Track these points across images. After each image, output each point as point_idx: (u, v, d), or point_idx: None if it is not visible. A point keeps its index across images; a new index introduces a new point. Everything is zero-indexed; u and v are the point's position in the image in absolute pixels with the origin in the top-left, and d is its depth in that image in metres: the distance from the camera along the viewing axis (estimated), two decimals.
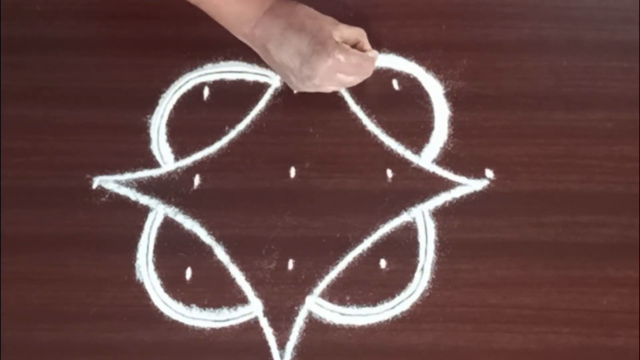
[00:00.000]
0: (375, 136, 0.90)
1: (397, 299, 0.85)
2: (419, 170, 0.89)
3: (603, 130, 0.90)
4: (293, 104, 0.92)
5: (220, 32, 0.91)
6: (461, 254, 0.86)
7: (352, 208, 0.88)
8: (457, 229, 0.87)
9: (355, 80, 0.89)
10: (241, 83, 0.93)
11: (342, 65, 0.85)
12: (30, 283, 0.86)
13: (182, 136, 0.91)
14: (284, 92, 0.92)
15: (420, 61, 0.93)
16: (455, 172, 0.89)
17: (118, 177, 0.90)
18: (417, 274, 0.85)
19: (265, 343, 0.84)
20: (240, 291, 0.86)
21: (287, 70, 0.86)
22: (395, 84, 0.92)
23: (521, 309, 0.84)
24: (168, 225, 0.88)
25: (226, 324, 0.84)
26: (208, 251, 0.87)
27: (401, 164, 0.89)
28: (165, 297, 0.85)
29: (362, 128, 0.91)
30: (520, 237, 0.86)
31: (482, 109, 0.91)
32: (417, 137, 0.90)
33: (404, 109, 0.91)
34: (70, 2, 0.96)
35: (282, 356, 0.83)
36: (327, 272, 0.86)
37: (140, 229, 0.88)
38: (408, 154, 0.90)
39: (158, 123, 0.91)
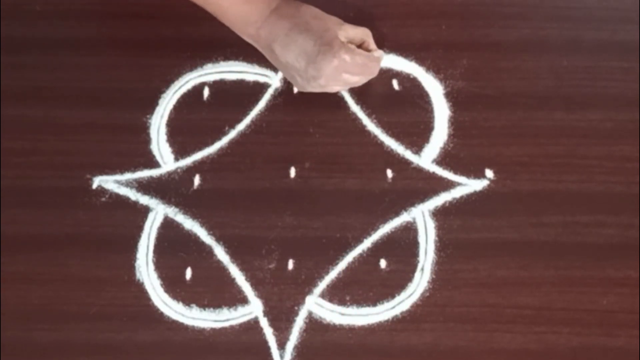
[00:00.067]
0: (375, 136, 0.90)
1: (397, 299, 0.85)
2: (419, 170, 0.89)
3: (603, 130, 0.90)
4: (293, 104, 0.92)
5: (220, 32, 0.91)
6: (461, 254, 0.86)
7: (352, 208, 0.88)
8: (457, 229, 0.87)
9: (361, 80, 0.89)
10: (241, 83, 0.93)
11: (347, 65, 0.85)
12: (30, 283, 0.86)
13: (182, 136, 0.91)
14: (284, 92, 0.92)
15: (420, 61, 0.93)
16: (455, 172, 0.89)
17: (118, 177, 0.90)
18: (417, 274, 0.85)
19: (265, 343, 0.84)
20: (240, 291, 0.86)
21: (293, 70, 0.86)
22: (395, 84, 0.92)
23: (521, 309, 0.84)
24: (168, 225, 0.88)
25: (226, 324, 0.84)
26: (208, 251, 0.87)
27: (401, 164, 0.89)
28: (165, 297, 0.85)
29: (362, 128, 0.91)
30: (520, 237, 0.86)
31: (482, 109, 0.91)
32: (417, 137, 0.90)
33: (404, 109, 0.91)
34: (70, 2, 0.96)
35: (282, 356, 0.83)
36: (327, 272, 0.86)
37: (140, 229, 0.88)
38: (408, 154, 0.90)
39: (158, 123, 0.91)
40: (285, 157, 0.90)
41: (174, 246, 0.87)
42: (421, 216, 0.87)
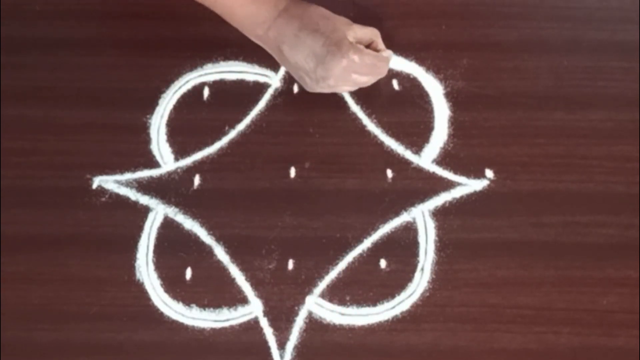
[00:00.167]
0: (375, 136, 0.90)
1: (397, 299, 0.85)
2: (419, 170, 0.89)
3: (603, 130, 0.90)
4: (293, 104, 0.92)
5: (220, 32, 0.91)
6: (461, 254, 0.86)
7: (352, 208, 0.88)
8: (457, 229, 0.87)
9: (370, 80, 0.89)
10: (241, 83, 0.93)
11: (356, 65, 0.85)
12: (30, 283, 0.86)
13: (182, 136, 0.91)
14: (284, 92, 0.92)
15: (420, 61, 0.93)
16: (455, 172, 0.89)
17: (118, 177, 0.90)
18: (417, 274, 0.85)
19: (265, 343, 0.84)
20: (240, 291, 0.86)
21: (302, 71, 0.86)
22: (395, 84, 0.92)
23: (521, 309, 0.84)
24: (168, 225, 0.88)
25: (226, 324, 0.84)
26: (208, 251, 0.87)
27: (401, 164, 0.89)
28: (165, 297, 0.85)
29: (362, 128, 0.91)
30: (520, 237, 0.86)
31: (482, 109, 0.91)
32: (417, 137, 0.90)
33: (404, 109, 0.91)
34: (70, 2, 0.96)
35: (282, 356, 0.83)
36: (327, 272, 0.86)
37: (140, 229, 0.88)
38: (408, 154, 0.90)
39: (158, 123, 0.91)
40: (285, 157, 0.90)
41: (174, 246, 0.87)
42: (421, 216, 0.87)
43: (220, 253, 0.87)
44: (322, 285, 0.85)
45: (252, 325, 0.84)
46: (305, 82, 0.88)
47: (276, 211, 0.88)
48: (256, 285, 0.86)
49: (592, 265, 0.85)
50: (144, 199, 0.89)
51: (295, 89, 0.92)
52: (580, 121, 0.90)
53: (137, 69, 0.94)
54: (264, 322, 0.84)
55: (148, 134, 0.91)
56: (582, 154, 0.89)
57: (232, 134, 0.91)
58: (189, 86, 0.93)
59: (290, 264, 0.86)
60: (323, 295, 0.85)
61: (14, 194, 0.89)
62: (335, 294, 0.85)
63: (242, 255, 0.87)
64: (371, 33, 0.87)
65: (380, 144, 0.90)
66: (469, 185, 0.88)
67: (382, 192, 0.88)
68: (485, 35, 0.94)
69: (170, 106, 0.92)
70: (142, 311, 0.85)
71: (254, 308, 0.85)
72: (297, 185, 0.89)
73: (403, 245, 0.86)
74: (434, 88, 0.92)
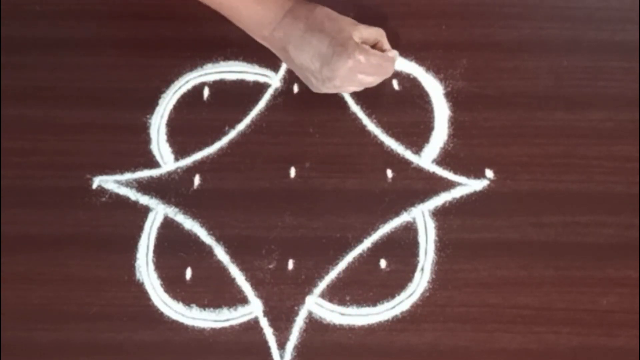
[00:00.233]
0: (375, 136, 0.90)
1: (397, 299, 0.85)
2: (419, 170, 0.89)
3: (603, 130, 0.90)
4: (293, 104, 0.92)
5: (220, 32, 0.92)
6: (461, 254, 0.86)
7: (352, 208, 0.88)
8: (457, 229, 0.87)
9: (375, 80, 0.89)
10: (241, 83, 0.93)
11: (362, 66, 0.85)
12: (30, 283, 0.86)
13: (182, 136, 0.91)
14: (284, 92, 0.92)
15: (420, 61, 0.93)
16: (455, 172, 0.89)
17: (118, 177, 0.90)
18: (417, 274, 0.85)
19: (265, 343, 0.84)
20: (240, 291, 0.86)
21: (308, 72, 0.86)
22: (395, 84, 0.92)
23: (521, 309, 0.84)
24: (168, 225, 0.88)
25: (226, 324, 0.84)
26: (208, 251, 0.87)
27: (401, 164, 0.89)
28: (165, 297, 0.85)
29: (362, 128, 0.91)
30: (520, 237, 0.86)
31: (482, 109, 0.91)
32: (417, 137, 0.90)
33: (404, 109, 0.91)
34: (70, 2, 0.96)
35: (282, 356, 0.83)
36: (327, 272, 0.86)
37: (140, 229, 0.88)
38: (408, 154, 0.90)
39: (158, 123, 0.91)
40: (285, 157, 0.90)
41: (174, 246, 0.87)
42: (421, 216, 0.87)
43: (220, 253, 0.87)
44: (322, 285, 0.85)
45: (252, 325, 0.84)
46: (311, 83, 0.88)
47: (276, 211, 0.88)
48: (256, 285, 0.86)
49: (592, 265, 0.85)
50: (144, 199, 0.89)
51: (295, 89, 0.92)
52: (580, 121, 0.90)
53: (137, 69, 0.94)
54: (264, 322, 0.84)
55: (148, 134, 0.91)
56: (582, 154, 0.89)
57: (232, 134, 0.91)
58: (189, 86, 0.93)
59: (290, 264, 0.86)
60: (323, 295, 0.85)
61: (14, 194, 0.89)
62: (335, 294, 0.85)
63: (242, 255, 0.87)
64: (377, 33, 0.88)
65: (380, 144, 0.90)
66: (469, 185, 0.88)
67: (382, 192, 0.88)
68: (485, 35, 0.94)
69: (170, 106, 0.92)
70: (142, 311, 0.85)
71: (254, 308, 0.85)
72: (297, 185, 0.89)
73: (403, 245, 0.86)
74: (434, 88, 0.92)
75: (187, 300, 0.85)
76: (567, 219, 0.87)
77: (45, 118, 0.92)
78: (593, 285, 0.84)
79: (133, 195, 0.89)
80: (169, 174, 0.90)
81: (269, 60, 0.92)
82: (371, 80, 0.88)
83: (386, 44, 0.88)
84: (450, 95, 0.92)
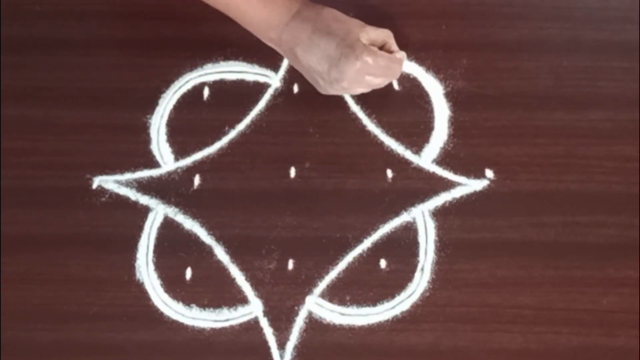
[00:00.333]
0: (375, 136, 0.90)
1: (397, 299, 0.85)
2: (419, 170, 0.89)
3: (603, 130, 0.90)
4: (293, 104, 0.92)
5: (220, 32, 0.92)
6: (461, 254, 0.86)
7: (352, 208, 0.88)
8: (457, 229, 0.87)
9: (383, 81, 0.89)
10: (241, 83, 0.93)
11: (370, 67, 0.85)
12: (30, 283, 0.86)
13: (182, 136, 0.91)
14: (284, 92, 0.92)
15: (420, 61, 0.93)
16: (455, 172, 0.89)
17: (118, 177, 0.90)
18: (417, 274, 0.85)
19: (265, 343, 0.84)
20: (240, 291, 0.86)
21: (315, 74, 0.86)
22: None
23: (521, 309, 0.84)
24: (168, 225, 0.88)
25: (226, 324, 0.84)
26: (208, 251, 0.87)
27: (401, 164, 0.89)
28: (165, 297, 0.85)
29: (362, 128, 0.91)
30: (520, 237, 0.86)
31: (482, 109, 0.91)
32: (417, 137, 0.90)
33: (404, 109, 0.91)
34: (71, 2, 0.96)
35: (282, 356, 0.83)
36: (327, 272, 0.86)
37: (140, 229, 0.88)
38: (408, 154, 0.90)
39: (158, 123, 0.91)
40: (285, 157, 0.90)
41: (174, 246, 0.87)
42: (421, 216, 0.87)
43: (220, 253, 0.87)
44: (322, 285, 0.85)
45: (252, 325, 0.84)
46: (318, 85, 0.88)
47: (276, 211, 0.88)
48: (256, 285, 0.86)
49: (592, 265, 0.85)
50: (144, 199, 0.89)
51: (296, 89, 0.92)
52: (580, 121, 0.90)
53: (137, 69, 0.94)
54: (264, 322, 0.84)
55: (148, 134, 0.91)
56: (582, 154, 0.89)
57: (232, 134, 0.91)
58: (189, 86, 0.93)
59: (290, 264, 0.86)
60: (323, 295, 0.85)
61: (14, 194, 0.89)
62: (335, 294, 0.85)
63: (242, 255, 0.87)
64: (384, 34, 0.87)
65: (380, 144, 0.90)
66: (469, 185, 0.88)
67: (382, 192, 0.88)
68: (485, 35, 0.94)
69: (170, 106, 0.92)
70: (142, 311, 0.85)
71: (254, 308, 0.85)
72: (297, 185, 0.89)
73: (403, 245, 0.86)
74: (434, 88, 0.92)
75: (187, 300, 0.85)
76: (567, 219, 0.87)
77: (45, 118, 0.92)
78: (593, 285, 0.84)
79: (133, 195, 0.89)
80: (169, 174, 0.90)
81: (269, 60, 0.92)
82: (379, 81, 0.88)
83: (394, 46, 0.88)
84: (450, 95, 0.92)
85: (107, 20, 0.96)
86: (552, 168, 0.89)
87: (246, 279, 0.86)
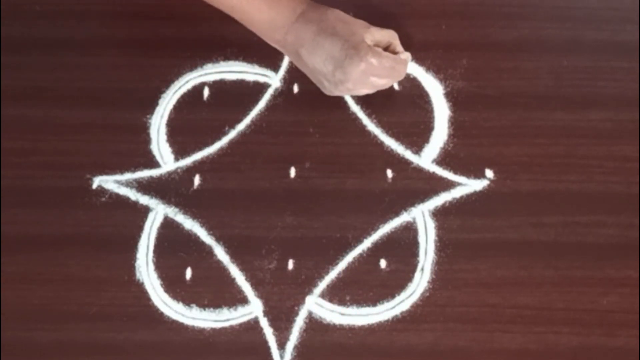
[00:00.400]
0: (375, 136, 0.90)
1: (397, 299, 0.85)
2: (419, 170, 0.89)
3: (603, 130, 0.90)
4: (293, 104, 0.92)
5: (220, 32, 0.92)
6: (461, 254, 0.86)
7: (352, 208, 0.88)
8: (457, 229, 0.87)
9: (388, 82, 0.89)
10: (241, 83, 0.93)
11: (375, 68, 0.85)
12: (30, 283, 0.86)
13: (182, 136, 0.91)
14: (284, 92, 0.92)
15: (420, 61, 0.93)
16: (455, 172, 0.89)
17: (118, 177, 0.90)
18: (417, 274, 0.85)
19: (265, 343, 0.84)
20: (240, 291, 0.86)
21: (320, 75, 0.86)
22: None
23: (521, 309, 0.84)
24: (168, 225, 0.88)
25: (226, 324, 0.84)
26: (208, 251, 0.87)
27: (401, 164, 0.89)
28: (165, 297, 0.85)
29: (362, 128, 0.91)
30: (520, 237, 0.86)
31: (482, 109, 0.91)
32: (417, 137, 0.90)
33: (404, 109, 0.91)
34: (71, 2, 0.96)
35: (282, 356, 0.83)
36: (327, 272, 0.86)
37: (140, 229, 0.88)
38: (408, 154, 0.90)
39: (158, 123, 0.91)
40: (285, 157, 0.90)
41: (174, 246, 0.87)
42: (421, 216, 0.87)
43: (220, 253, 0.87)
44: (322, 285, 0.85)
45: (252, 325, 0.84)
46: (323, 86, 0.88)
47: (276, 211, 0.88)
48: (256, 285, 0.86)
49: (592, 265, 0.85)
50: (144, 199, 0.89)
51: (295, 89, 0.92)
52: (580, 121, 0.90)
53: (137, 69, 0.94)
54: (264, 322, 0.84)
55: (148, 134, 0.91)
56: (582, 154, 0.89)
57: (232, 134, 0.91)
58: (189, 86, 0.93)
59: (290, 264, 0.86)
60: (323, 295, 0.85)
61: (14, 194, 0.89)
62: (335, 294, 0.85)
63: (242, 255, 0.87)
64: (389, 35, 0.87)
65: (380, 144, 0.90)
66: (469, 185, 0.88)
67: (382, 192, 0.88)
68: (485, 35, 0.94)
69: (170, 106, 0.92)
70: (142, 311, 0.85)
71: (254, 308, 0.85)
72: (297, 185, 0.89)
73: (403, 245, 0.86)
74: (434, 88, 0.92)
75: (187, 300, 0.85)
76: (567, 219, 0.87)
77: (45, 118, 0.92)
78: (593, 285, 0.84)
79: (133, 195, 0.89)
80: (169, 174, 0.90)
81: (269, 60, 0.92)
82: (384, 82, 0.88)
83: (399, 46, 0.88)
84: (450, 95, 0.92)
85: (107, 20, 0.96)
86: (552, 168, 0.89)
87: (246, 279, 0.86)
